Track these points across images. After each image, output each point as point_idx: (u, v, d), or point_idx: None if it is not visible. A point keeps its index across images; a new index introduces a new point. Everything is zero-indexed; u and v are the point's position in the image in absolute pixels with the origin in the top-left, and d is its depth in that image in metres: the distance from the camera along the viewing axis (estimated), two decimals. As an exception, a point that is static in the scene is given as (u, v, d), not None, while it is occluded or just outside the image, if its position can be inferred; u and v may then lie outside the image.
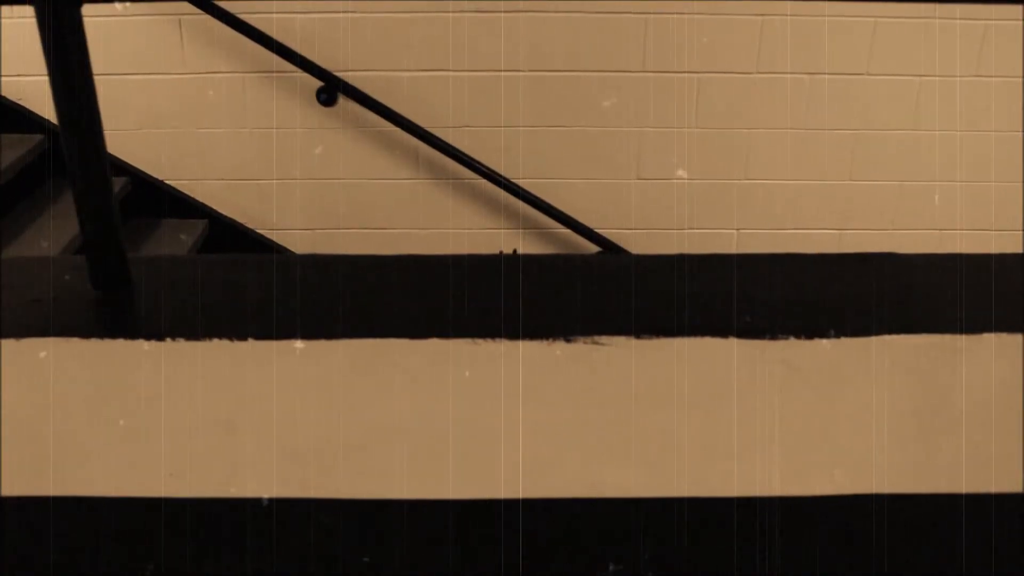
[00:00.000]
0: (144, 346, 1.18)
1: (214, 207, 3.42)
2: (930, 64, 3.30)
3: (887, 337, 1.19)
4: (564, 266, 1.42)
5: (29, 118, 3.21)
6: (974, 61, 3.30)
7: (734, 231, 3.52)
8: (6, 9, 3.04)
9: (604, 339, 1.18)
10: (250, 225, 3.46)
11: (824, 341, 1.19)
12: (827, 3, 3.19)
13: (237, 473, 1.24)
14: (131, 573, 1.31)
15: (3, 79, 3.18)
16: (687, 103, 3.33)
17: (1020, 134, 3.34)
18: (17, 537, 1.29)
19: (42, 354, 1.18)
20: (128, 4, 3.14)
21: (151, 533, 1.29)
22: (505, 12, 3.20)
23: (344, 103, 3.28)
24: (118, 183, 3.23)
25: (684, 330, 1.19)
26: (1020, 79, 3.28)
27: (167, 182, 3.38)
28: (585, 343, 1.18)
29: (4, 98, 3.21)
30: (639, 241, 3.49)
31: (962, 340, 1.19)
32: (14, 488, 1.24)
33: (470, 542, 1.23)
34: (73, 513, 1.26)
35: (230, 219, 3.44)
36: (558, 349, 1.18)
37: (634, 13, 3.18)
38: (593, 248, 3.39)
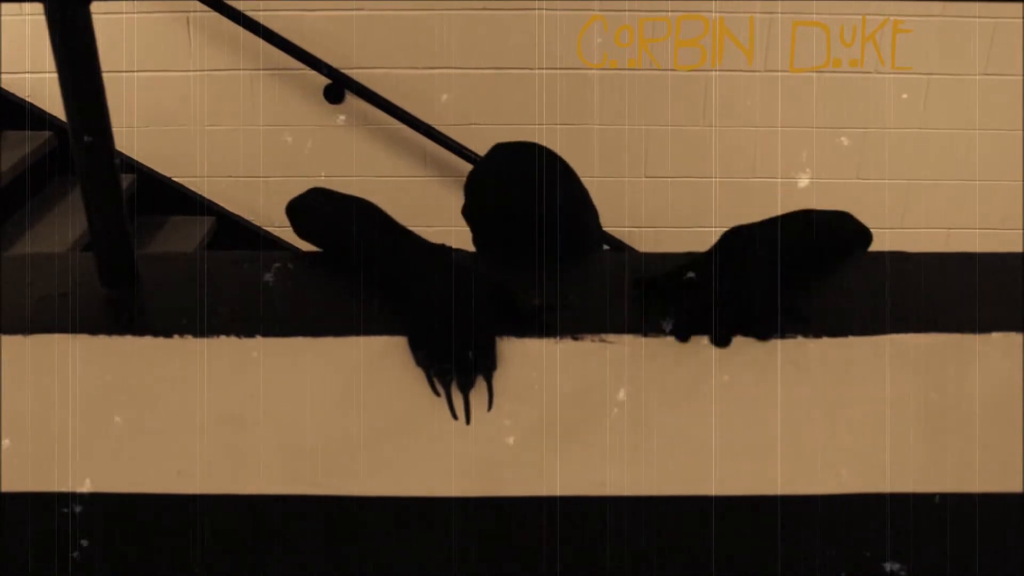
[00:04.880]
0: (152, 343, 1.18)
1: (222, 204, 3.43)
2: (939, 62, 3.29)
3: (896, 336, 1.18)
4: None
5: (37, 115, 3.22)
6: (983, 59, 3.29)
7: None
8: (15, 7, 3.05)
9: (612, 337, 1.18)
10: (257, 222, 3.46)
11: (832, 340, 1.19)
12: (835, 3, 3.18)
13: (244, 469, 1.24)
14: (136, 570, 1.31)
15: (13, 76, 3.19)
16: (694, 101, 3.32)
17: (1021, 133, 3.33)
18: (19, 534, 1.29)
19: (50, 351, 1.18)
20: (136, 2, 3.14)
21: (156, 530, 1.29)
22: (511, 10, 3.19)
23: (351, 100, 3.28)
24: (126, 180, 3.23)
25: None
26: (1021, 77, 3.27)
27: (175, 179, 3.39)
28: (592, 341, 1.18)
29: (11, 94, 3.22)
30: (646, 239, 3.49)
31: (971, 339, 1.19)
32: (18, 484, 1.24)
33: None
34: (78, 510, 1.27)
35: (238, 216, 3.44)
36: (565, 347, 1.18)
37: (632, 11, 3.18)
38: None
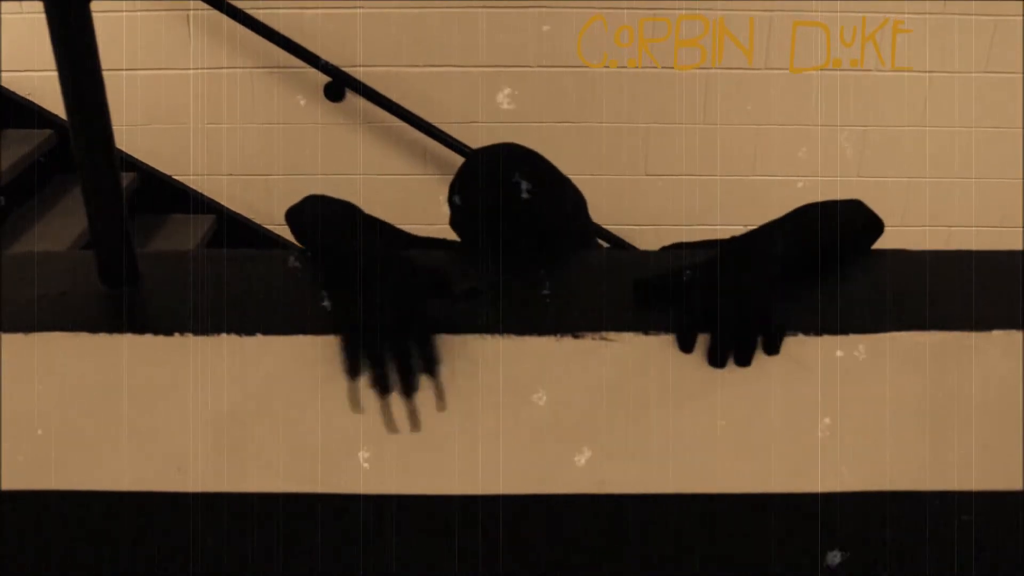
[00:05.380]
0: (152, 340, 1.18)
1: (222, 202, 3.43)
2: (939, 60, 3.29)
3: (896, 334, 1.18)
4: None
5: (38, 113, 3.22)
6: (983, 57, 3.29)
7: (742, 228, 3.51)
8: (15, 5, 3.05)
9: (612, 335, 1.18)
10: (257, 220, 3.46)
11: (833, 338, 1.19)
12: (835, 2, 3.18)
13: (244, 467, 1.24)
14: (137, 568, 1.31)
15: (13, 75, 3.18)
16: (694, 99, 3.32)
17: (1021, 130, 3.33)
18: (19, 532, 1.29)
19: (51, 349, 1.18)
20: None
21: (157, 528, 1.29)
22: (513, 7, 3.19)
23: (351, 98, 3.28)
24: (126, 178, 3.23)
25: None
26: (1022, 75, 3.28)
27: (175, 177, 3.39)
28: (593, 339, 1.18)
29: (12, 93, 3.22)
30: (646, 237, 3.49)
31: (972, 337, 1.19)
32: (19, 483, 1.24)
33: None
34: (79, 508, 1.27)
35: (238, 214, 3.44)
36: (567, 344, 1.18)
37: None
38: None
